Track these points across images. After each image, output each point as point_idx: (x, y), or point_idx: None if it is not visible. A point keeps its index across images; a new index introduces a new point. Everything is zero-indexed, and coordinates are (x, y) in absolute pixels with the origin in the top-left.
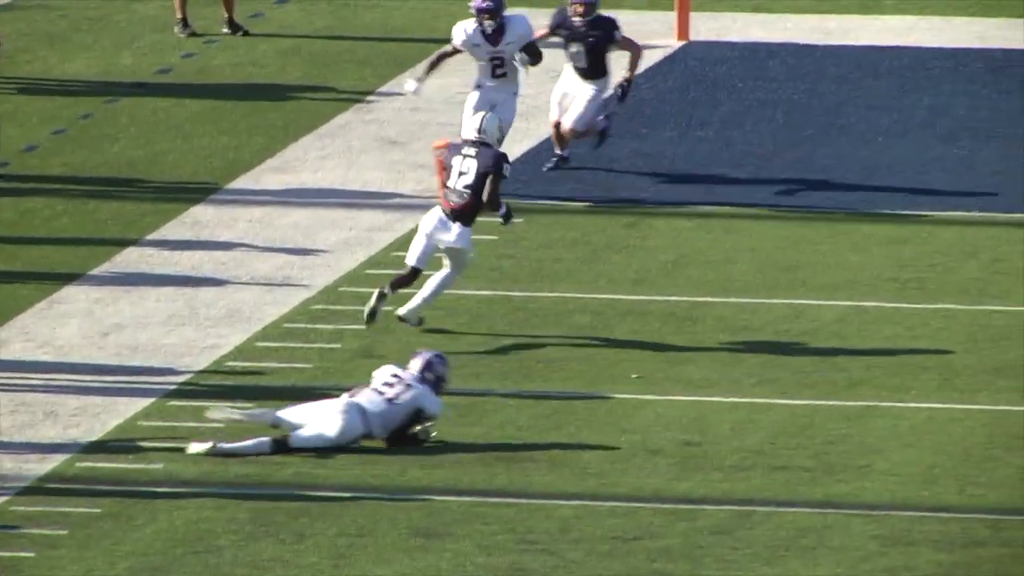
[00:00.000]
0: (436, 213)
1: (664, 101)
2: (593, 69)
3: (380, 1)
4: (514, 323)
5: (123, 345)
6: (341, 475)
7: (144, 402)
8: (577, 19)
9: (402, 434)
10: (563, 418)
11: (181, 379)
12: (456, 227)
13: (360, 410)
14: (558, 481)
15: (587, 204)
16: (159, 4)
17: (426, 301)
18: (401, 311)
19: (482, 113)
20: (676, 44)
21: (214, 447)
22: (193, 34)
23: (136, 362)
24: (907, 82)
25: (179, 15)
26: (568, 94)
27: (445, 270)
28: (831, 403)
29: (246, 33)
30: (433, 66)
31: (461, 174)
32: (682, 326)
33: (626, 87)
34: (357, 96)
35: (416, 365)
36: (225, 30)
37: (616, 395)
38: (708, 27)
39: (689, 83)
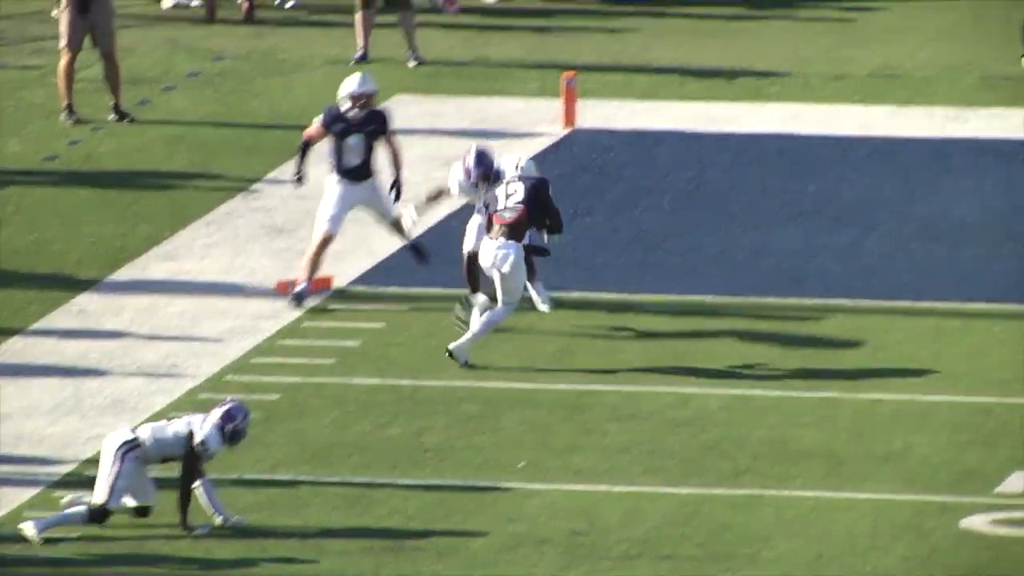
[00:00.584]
0: (488, 247)
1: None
2: (367, 166)
3: (266, 89)
4: (402, 412)
5: (8, 435)
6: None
7: (30, 492)
8: (354, 112)
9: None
10: (451, 507)
11: (66, 469)
12: (505, 251)
13: (129, 447)
14: (446, 571)
15: None
16: (45, 91)
17: (475, 338)
18: (452, 345)
19: (517, 157)
20: (562, 131)
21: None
22: (79, 121)
23: (21, 452)
24: (793, 169)
25: (65, 102)
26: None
27: (498, 307)
28: (718, 491)
29: (132, 120)
30: (432, 199)
31: (509, 195)
32: (570, 415)
33: (399, 186)
34: (244, 184)
35: (215, 412)
36: (112, 117)
37: (504, 484)
38: (595, 114)
39: (576, 170)
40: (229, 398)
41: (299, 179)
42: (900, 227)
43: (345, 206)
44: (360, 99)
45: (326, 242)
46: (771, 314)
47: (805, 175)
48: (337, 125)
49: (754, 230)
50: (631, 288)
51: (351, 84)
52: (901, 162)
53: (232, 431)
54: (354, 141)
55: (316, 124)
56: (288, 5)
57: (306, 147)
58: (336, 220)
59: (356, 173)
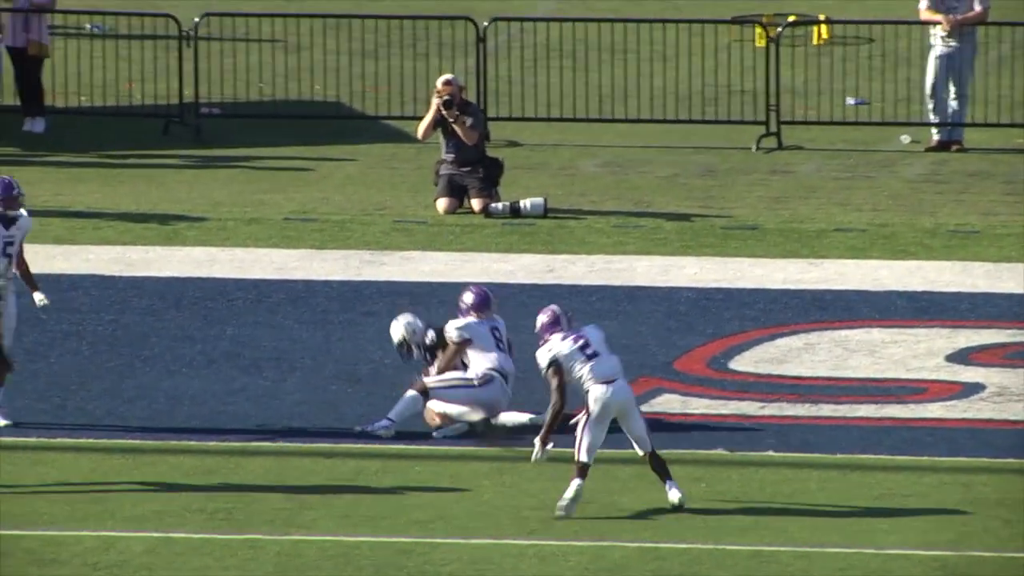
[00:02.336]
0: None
1: None
2: None
3: None
4: None
5: None
6: None
7: None
8: None
9: None
10: None
11: None
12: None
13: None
14: None
15: None
16: None
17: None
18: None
19: None
20: None
21: None
22: None
23: None
24: (210, 313)
25: None
26: None
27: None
28: None
29: None
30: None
31: None
32: None
33: None
34: None
35: None
36: None
37: None
38: None
39: None
40: None
41: None
42: (317, 371)
43: None
44: None
45: None
46: (192, 458)
47: (223, 319)
48: None
49: (173, 375)
50: (52, 433)
51: None
52: (318, 305)
53: None
54: None
55: None
56: None
57: None
58: None
59: None
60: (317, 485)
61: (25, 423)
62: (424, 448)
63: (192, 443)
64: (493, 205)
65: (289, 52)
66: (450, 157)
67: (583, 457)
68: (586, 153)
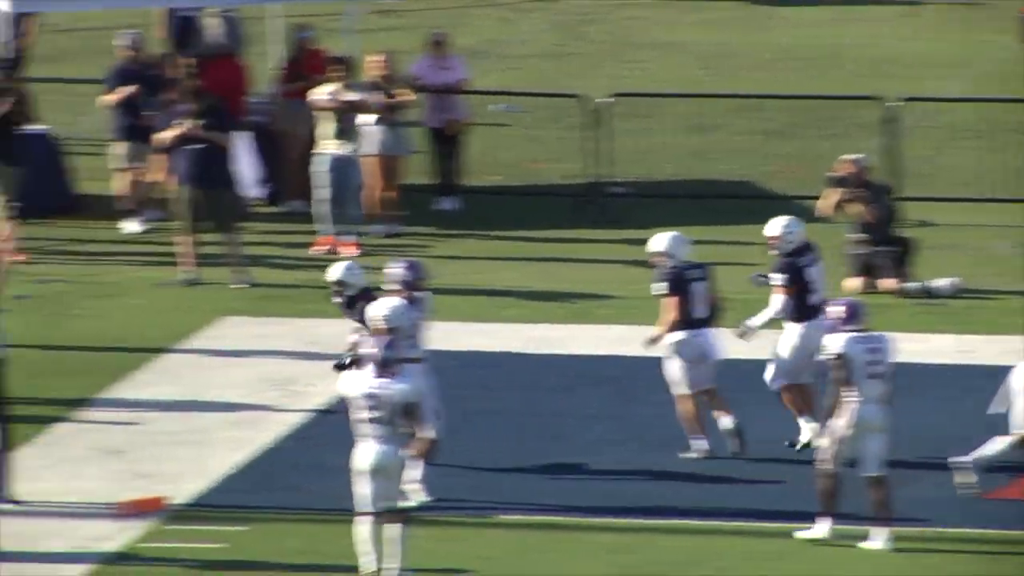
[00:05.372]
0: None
1: None
2: None
3: (91, 310)
4: None
5: None
6: None
7: None
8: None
9: None
10: None
11: None
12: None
13: None
14: None
15: None
16: None
17: None
18: None
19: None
20: None
21: None
22: None
23: None
24: (624, 390)
25: None
26: None
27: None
28: None
29: None
30: None
31: None
32: None
33: None
34: (74, 405)
35: None
36: None
37: None
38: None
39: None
40: None
41: None
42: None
43: None
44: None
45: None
46: (607, 531)
47: (634, 397)
48: None
49: (584, 452)
50: (466, 511)
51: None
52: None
53: None
54: None
55: None
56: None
57: None
58: None
59: None
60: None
61: (445, 499)
62: None
63: (607, 520)
64: (905, 285)
65: (696, 132)
66: (859, 236)
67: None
68: (1001, 234)
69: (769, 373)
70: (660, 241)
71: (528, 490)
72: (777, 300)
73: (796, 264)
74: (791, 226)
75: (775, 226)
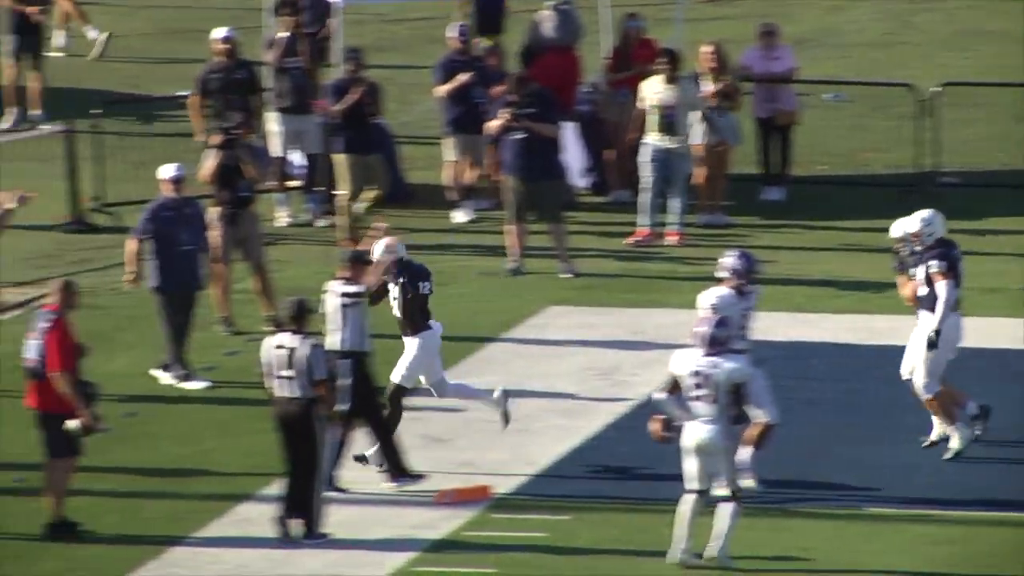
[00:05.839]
0: None
1: None
2: None
3: None
4: None
5: None
6: None
7: None
8: None
9: None
10: None
11: None
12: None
13: None
14: None
15: None
16: (202, 303)
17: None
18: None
19: None
20: None
21: None
22: (236, 332)
23: None
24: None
25: (222, 313)
26: None
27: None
28: None
29: None
30: None
31: None
32: None
33: None
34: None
35: None
36: (267, 328)
37: None
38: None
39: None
40: None
41: None
42: None
43: None
44: None
45: None
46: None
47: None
48: None
49: (907, 442)
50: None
51: None
52: None
53: None
54: None
55: None
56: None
57: None
58: None
59: None
60: None
61: (769, 488)
62: None
63: (929, 512)
64: None
65: None
66: None
67: None
68: None
69: (918, 378)
70: (919, 220)
71: (848, 480)
72: (942, 287)
73: (949, 254)
74: (931, 219)
75: (914, 221)
